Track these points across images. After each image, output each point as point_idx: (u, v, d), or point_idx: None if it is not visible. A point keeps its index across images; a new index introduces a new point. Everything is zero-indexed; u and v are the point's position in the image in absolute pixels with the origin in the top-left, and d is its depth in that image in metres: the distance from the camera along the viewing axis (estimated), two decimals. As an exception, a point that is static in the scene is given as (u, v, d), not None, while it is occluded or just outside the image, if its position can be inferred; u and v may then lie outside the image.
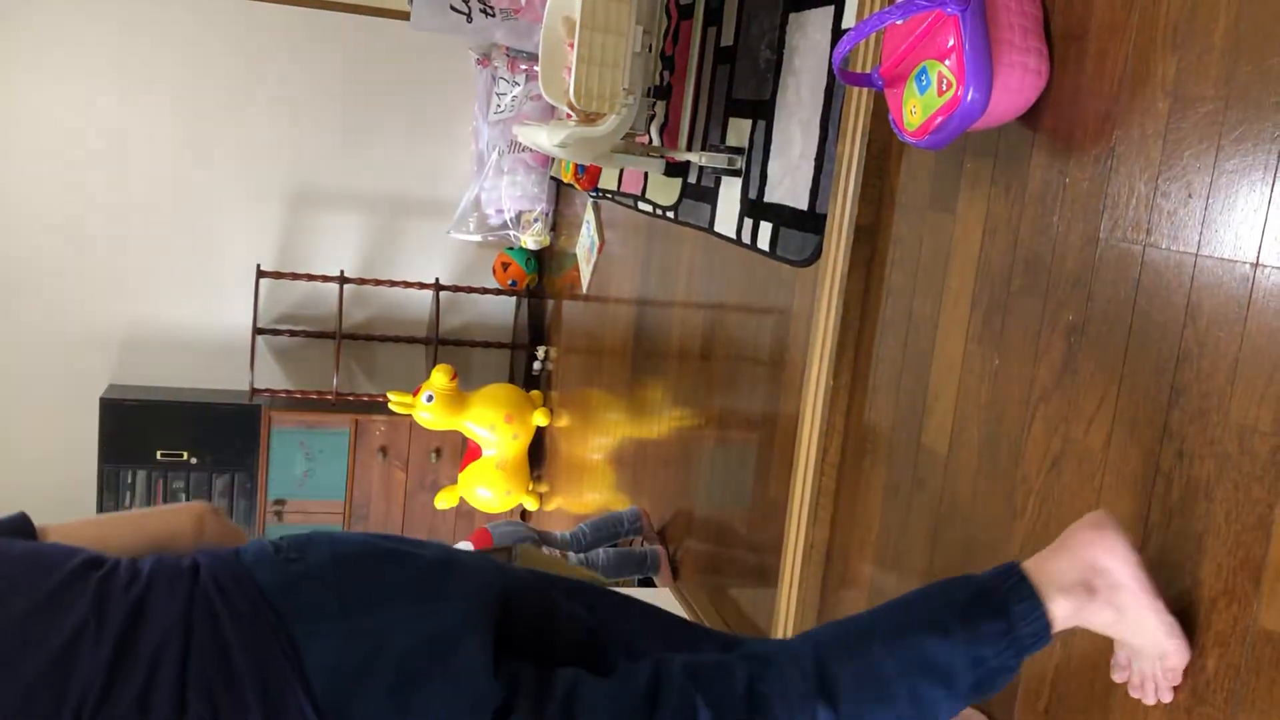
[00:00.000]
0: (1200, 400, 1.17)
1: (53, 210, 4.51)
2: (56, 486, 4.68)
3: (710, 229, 2.60)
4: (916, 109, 1.46)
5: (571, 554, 2.94)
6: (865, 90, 1.87)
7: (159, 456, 4.46)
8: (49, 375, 4.63)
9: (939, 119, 1.42)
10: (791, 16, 2.26)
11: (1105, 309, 1.33)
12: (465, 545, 2.76)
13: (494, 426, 4.16)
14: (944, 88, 1.40)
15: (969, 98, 1.38)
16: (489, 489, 4.26)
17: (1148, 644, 1.15)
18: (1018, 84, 1.41)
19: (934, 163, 1.73)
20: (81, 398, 4.58)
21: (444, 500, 4.29)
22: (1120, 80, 1.33)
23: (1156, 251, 1.25)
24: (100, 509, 4.43)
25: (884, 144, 1.86)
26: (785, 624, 2.08)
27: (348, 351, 4.83)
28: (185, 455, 4.49)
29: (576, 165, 3.69)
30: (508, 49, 4.27)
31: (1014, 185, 1.52)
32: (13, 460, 4.65)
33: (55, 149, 4.47)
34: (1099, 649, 1.30)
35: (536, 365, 4.56)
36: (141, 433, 4.43)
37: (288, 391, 4.60)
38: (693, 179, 2.75)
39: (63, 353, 4.63)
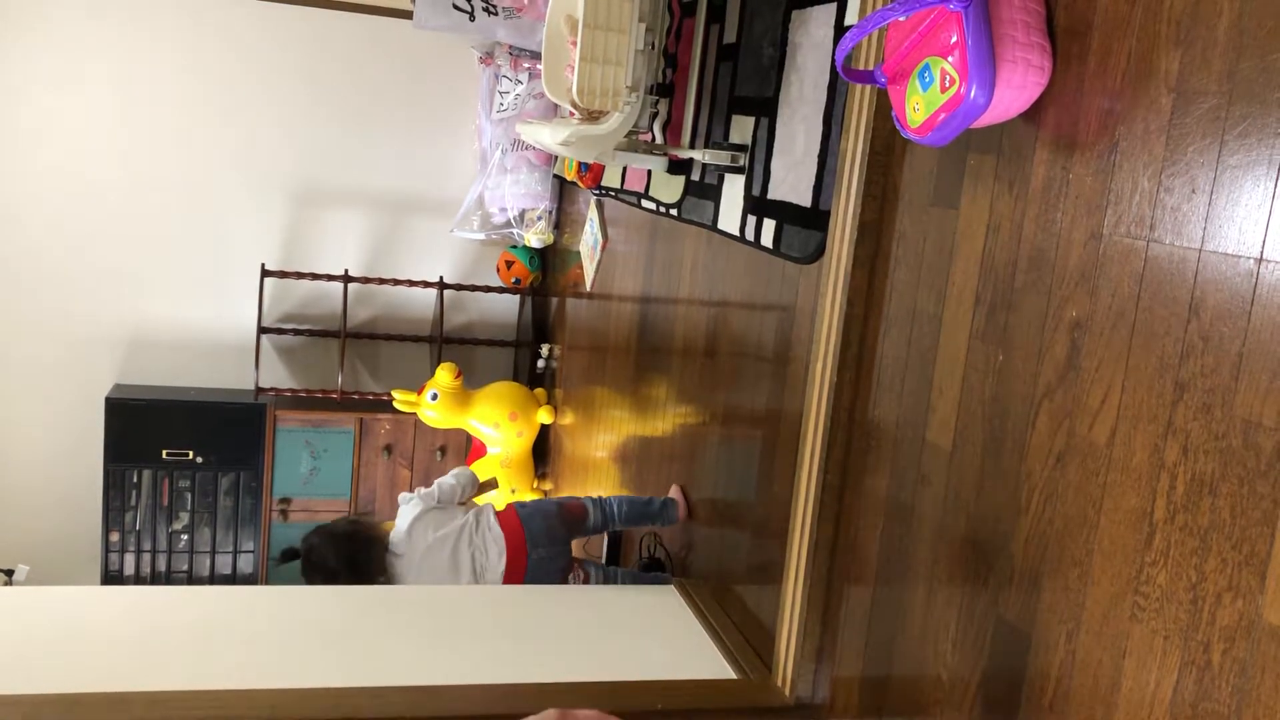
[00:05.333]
0: (1204, 396, 1.17)
1: (58, 210, 4.52)
2: (62, 485, 4.70)
3: (713, 226, 2.60)
4: (919, 106, 1.46)
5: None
6: (868, 87, 1.87)
7: (164, 455, 4.48)
8: (55, 375, 4.64)
9: (942, 116, 1.43)
10: (794, 13, 2.26)
11: (1109, 305, 1.33)
12: (493, 522, 2.67)
13: (498, 424, 4.16)
14: (947, 84, 1.40)
15: (972, 94, 1.38)
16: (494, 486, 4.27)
17: None
18: (1021, 80, 1.41)
19: (937, 159, 1.73)
20: (87, 397, 4.60)
21: (449, 498, 4.29)
22: (1123, 76, 1.32)
23: (1160, 247, 1.25)
24: (106, 509, 4.45)
25: (887, 141, 1.86)
26: (790, 621, 2.08)
27: (352, 350, 4.84)
28: (191, 454, 4.50)
29: (580, 163, 3.69)
30: (510, 47, 4.27)
31: (1017, 181, 1.52)
32: (19, 459, 4.67)
33: (60, 149, 4.48)
34: (1104, 645, 1.30)
35: (540, 363, 4.57)
36: (147, 432, 4.44)
37: (293, 390, 4.61)
38: (696, 176, 2.75)
39: (68, 352, 4.64)
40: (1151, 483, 1.24)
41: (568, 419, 4.19)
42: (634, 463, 3.29)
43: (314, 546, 2.62)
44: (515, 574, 2.61)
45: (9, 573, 4.42)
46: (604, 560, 3.19)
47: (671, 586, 2.69)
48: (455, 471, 2.89)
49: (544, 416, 4.33)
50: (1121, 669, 1.27)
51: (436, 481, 2.82)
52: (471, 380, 4.58)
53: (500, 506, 2.78)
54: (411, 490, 2.88)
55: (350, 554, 2.59)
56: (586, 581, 2.78)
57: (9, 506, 4.67)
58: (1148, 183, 1.28)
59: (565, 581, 2.73)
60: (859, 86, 1.91)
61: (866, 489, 1.91)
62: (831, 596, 2.02)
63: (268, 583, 4.64)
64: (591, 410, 3.84)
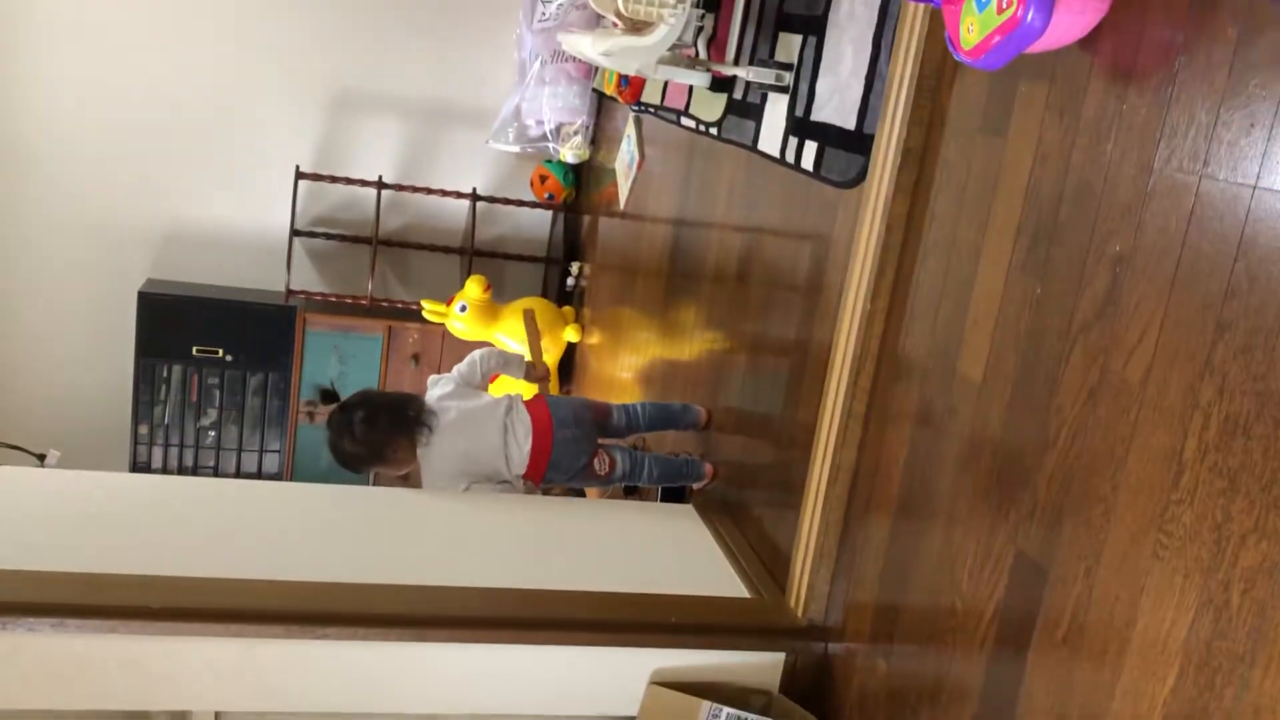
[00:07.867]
0: (1246, 337, 1.15)
1: (96, 106, 4.51)
2: (94, 376, 4.76)
3: (754, 147, 2.57)
4: (974, 27, 1.42)
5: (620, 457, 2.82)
6: (922, 6, 1.83)
7: (195, 352, 4.52)
8: (90, 267, 4.68)
9: (996, 38, 1.39)
10: (849, -71, 2.20)
11: (1154, 240, 1.30)
12: (522, 407, 2.66)
13: (525, 339, 4.17)
14: (1004, 5, 1.36)
15: (1029, 18, 1.34)
16: (518, 401, 4.28)
17: None
18: (1080, 5, 1.37)
19: (987, 84, 1.69)
20: (120, 290, 4.63)
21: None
22: (1188, 5, 1.28)
23: (1213, 183, 1.22)
24: (136, 402, 4.51)
25: (937, 64, 1.82)
26: (807, 544, 2.09)
27: (383, 257, 4.84)
28: (220, 352, 4.54)
29: (620, 77, 3.64)
30: (556, -44, 4.19)
31: (1069, 111, 1.48)
32: (53, 349, 4.73)
33: (97, 49, 4.45)
34: (1122, 581, 1.30)
35: (570, 281, 4.55)
36: (178, 328, 4.48)
37: (323, 294, 4.63)
38: (738, 95, 2.71)
39: (103, 246, 4.67)
40: (1184, 421, 1.23)
41: (594, 339, 4.19)
42: (659, 384, 3.29)
43: (356, 393, 2.67)
44: (541, 454, 2.61)
45: (41, 457, 4.51)
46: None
47: (690, 507, 2.71)
48: (480, 352, 2.86)
49: (571, 335, 4.33)
50: (1138, 606, 1.27)
51: (456, 367, 2.82)
52: (500, 294, 4.58)
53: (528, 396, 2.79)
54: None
55: (383, 404, 2.62)
56: (612, 467, 2.73)
57: (42, 393, 4.74)
58: (1205, 116, 1.24)
59: (591, 467, 2.71)
60: (911, 7, 1.86)
61: (892, 417, 1.90)
62: (850, 522, 2.03)
63: (293, 473, 4.71)
64: (618, 331, 3.84)
